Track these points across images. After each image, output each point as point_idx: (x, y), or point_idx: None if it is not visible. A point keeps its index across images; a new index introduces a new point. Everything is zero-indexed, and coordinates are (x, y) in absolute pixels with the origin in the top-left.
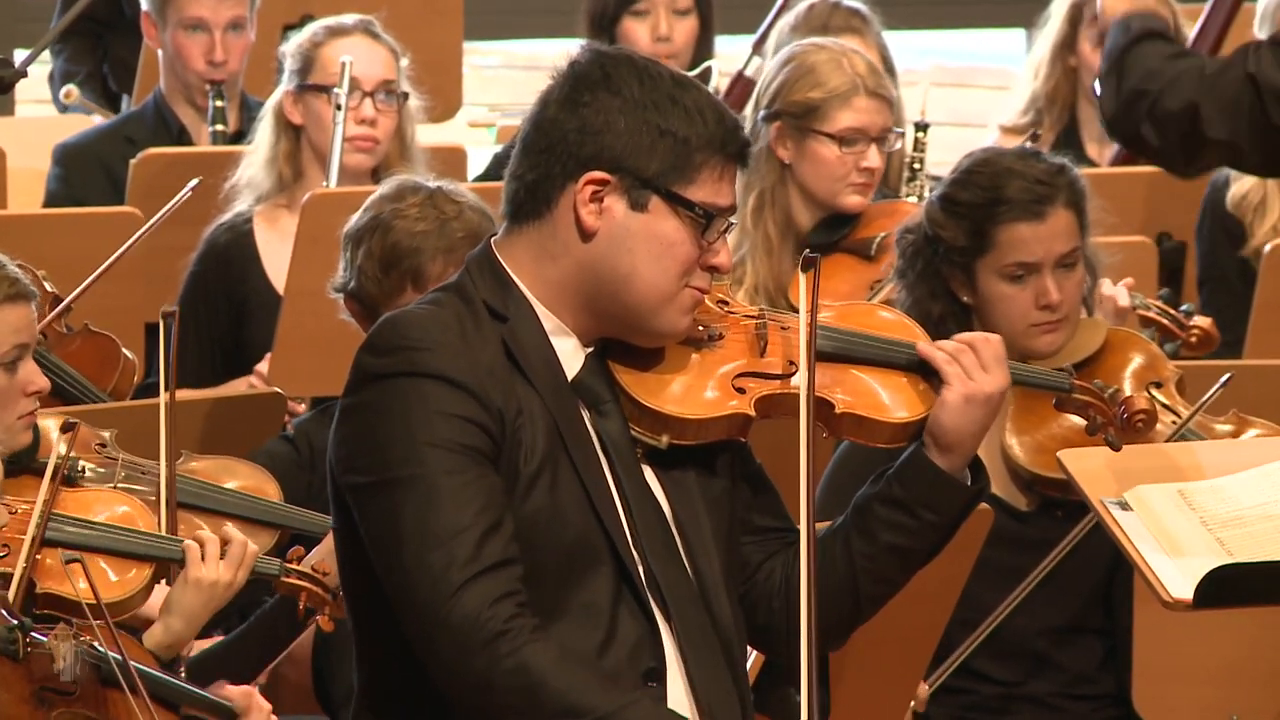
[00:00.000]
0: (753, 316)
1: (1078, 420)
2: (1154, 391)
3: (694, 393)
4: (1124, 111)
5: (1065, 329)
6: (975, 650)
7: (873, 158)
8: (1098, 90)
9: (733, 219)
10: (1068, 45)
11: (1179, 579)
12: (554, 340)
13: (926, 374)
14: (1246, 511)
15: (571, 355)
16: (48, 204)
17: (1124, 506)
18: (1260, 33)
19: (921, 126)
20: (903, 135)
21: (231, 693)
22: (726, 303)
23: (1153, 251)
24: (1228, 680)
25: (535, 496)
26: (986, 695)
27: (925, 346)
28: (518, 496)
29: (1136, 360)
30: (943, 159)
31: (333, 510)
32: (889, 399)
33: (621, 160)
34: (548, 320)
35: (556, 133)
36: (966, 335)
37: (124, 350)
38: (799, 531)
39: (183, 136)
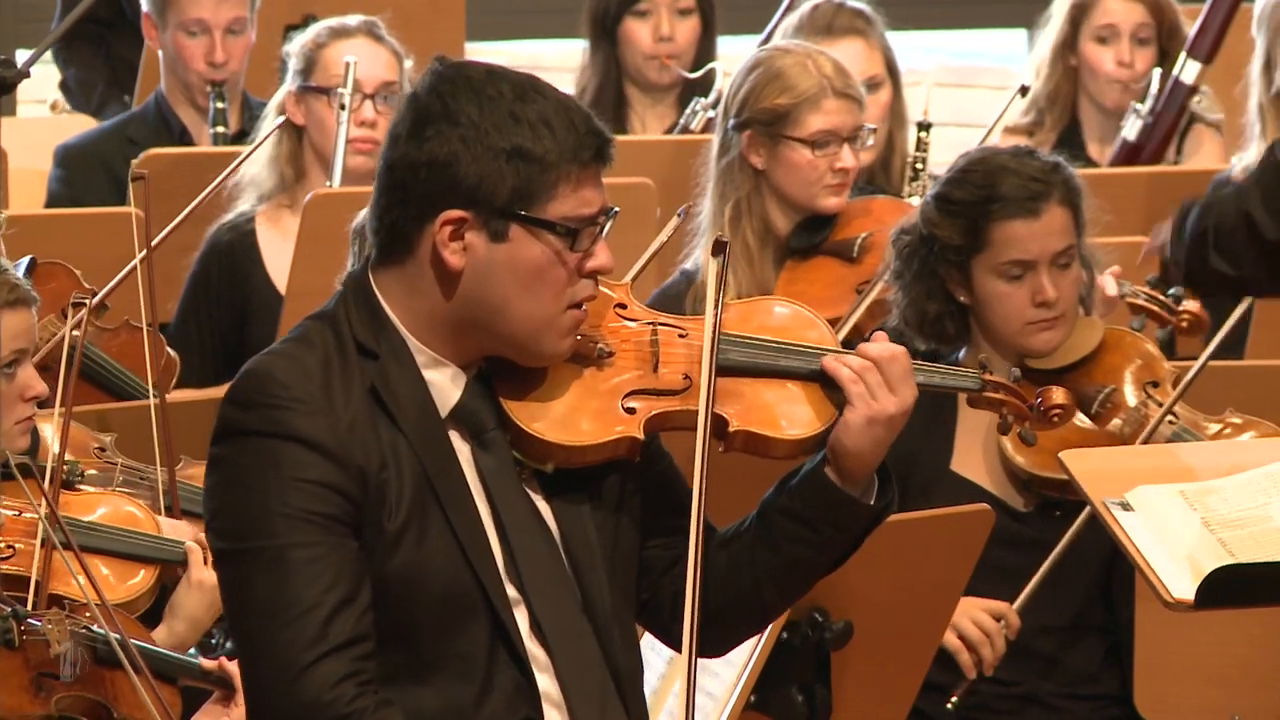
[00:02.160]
0: (647, 325)
1: (1000, 418)
2: (1150, 390)
3: (579, 418)
4: (1194, 259)
5: (1062, 327)
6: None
7: (846, 158)
8: (1172, 266)
9: (610, 216)
10: (1068, 45)
11: (1180, 579)
12: (429, 374)
13: (828, 384)
14: (1248, 512)
15: (449, 385)
16: (49, 205)
17: (1125, 507)
18: (1258, 34)
19: (924, 126)
20: (875, 131)
21: (229, 665)
22: (625, 306)
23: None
24: (1229, 680)
25: (402, 552)
26: (988, 695)
27: (830, 362)
28: (383, 553)
29: (1133, 360)
30: (946, 159)
31: None
32: (786, 415)
33: (474, 194)
34: (421, 354)
35: (406, 171)
36: (873, 350)
37: (168, 349)
38: (708, 530)
39: (184, 137)
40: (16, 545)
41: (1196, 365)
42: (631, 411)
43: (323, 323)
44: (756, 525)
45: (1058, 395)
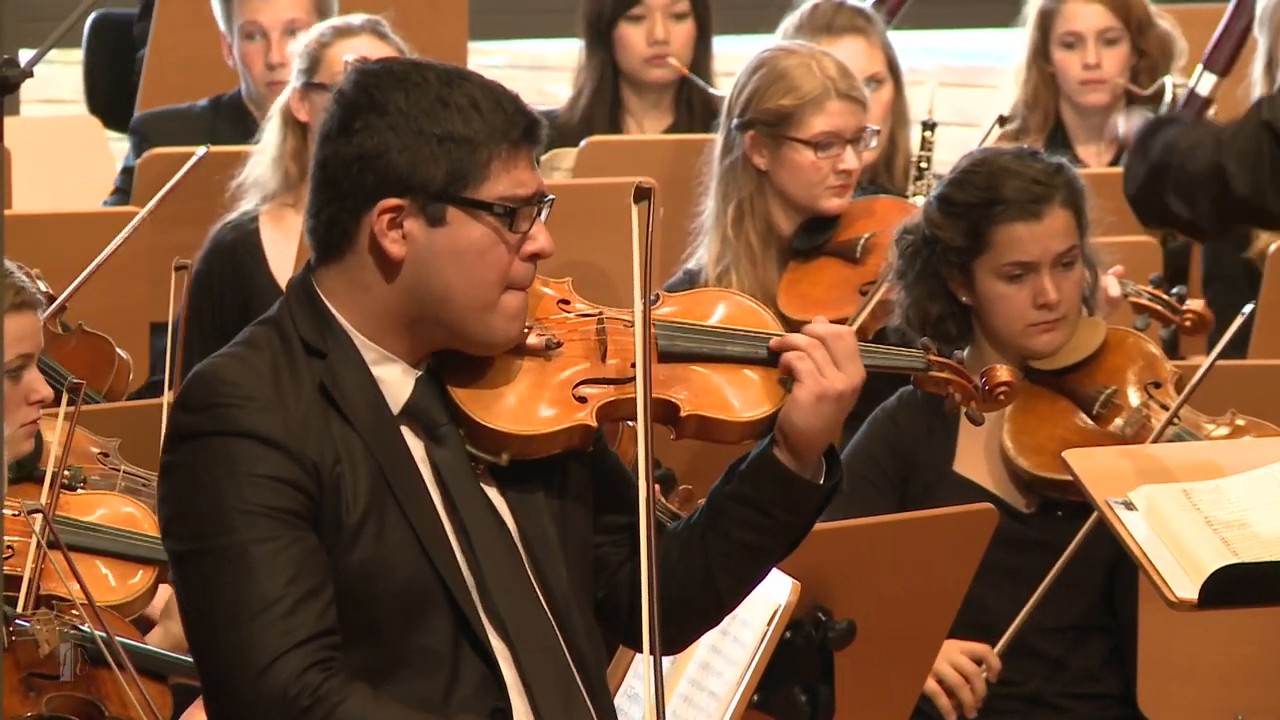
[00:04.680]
0: (592, 317)
1: (946, 398)
2: (1152, 391)
3: (532, 407)
4: (1148, 188)
5: (1064, 328)
6: None
7: (849, 159)
8: (1125, 178)
9: (545, 200)
10: (1041, 53)
11: (1184, 579)
12: (378, 370)
13: (776, 367)
14: (1251, 511)
15: (399, 382)
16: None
17: (1129, 506)
18: (1260, 34)
19: (928, 126)
20: (878, 133)
21: None
22: (568, 302)
23: (1157, 252)
24: (1232, 679)
25: (361, 547)
26: (992, 695)
27: (777, 341)
28: (342, 549)
29: (1135, 360)
30: (950, 159)
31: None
32: (736, 397)
33: (407, 180)
34: (369, 351)
35: (339, 167)
36: (819, 329)
37: (119, 350)
38: (657, 524)
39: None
40: (15, 546)
41: (1201, 370)
42: (583, 400)
43: (267, 327)
44: (706, 515)
45: (1002, 373)
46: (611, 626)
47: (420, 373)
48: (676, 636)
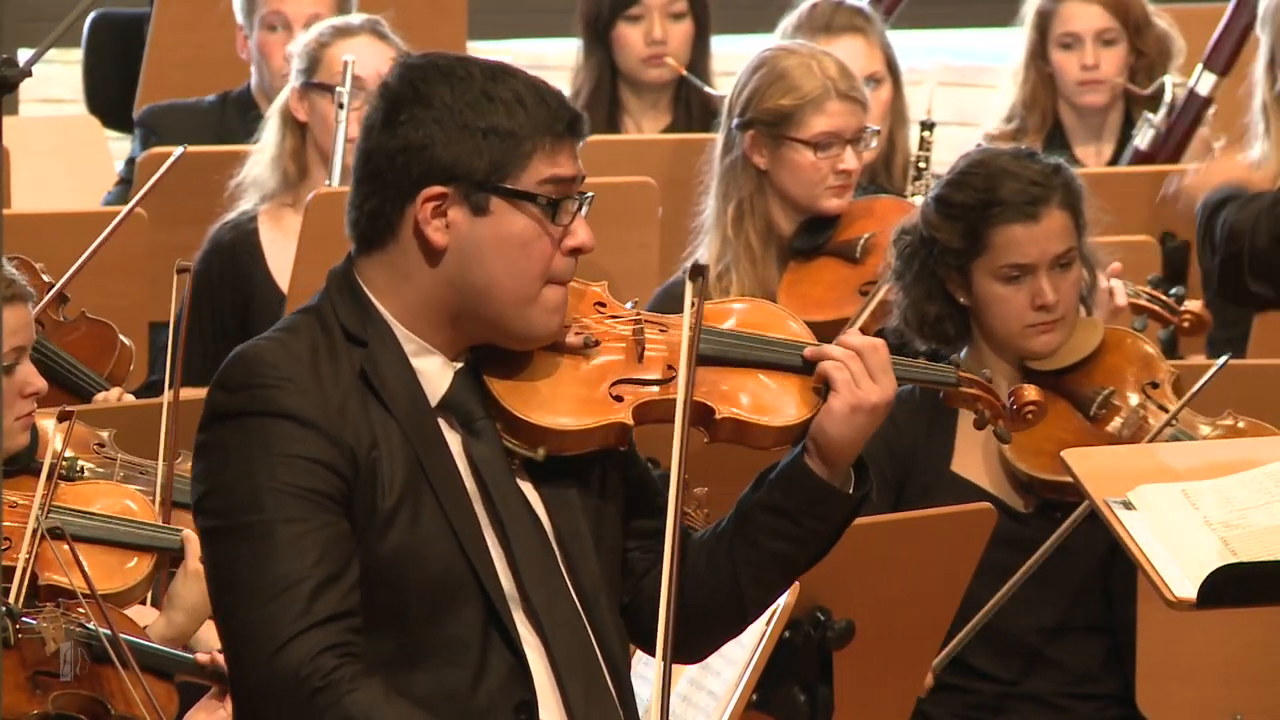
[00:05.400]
0: (630, 320)
1: (976, 415)
2: (1150, 391)
3: (570, 403)
4: (1226, 279)
5: (1062, 329)
6: (976, 648)
7: (849, 159)
8: (1204, 276)
9: (587, 196)
10: (1039, 54)
11: (1182, 578)
12: (417, 362)
13: (809, 374)
14: (1250, 511)
15: (438, 374)
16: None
17: (1128, 506)
18: (1262, 33)
19: (927, 126)
20: (878, 133)
21: (220, 658)
22: (604, 304)
23: (1156, 251)
24: (1231, 679)
25: (395, 533)
26: (989, 694)
27: (813, 350)
28: (375, 534)
29: (1133, 361)
30: (948, 158)
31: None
32: (771, 403)
33: (452, 170)
34: (409, 342)
35: (383, 158)
36: (854, 340)
37: (121, 336)
38: (683, 533)
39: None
40: (13, 538)
41: (1203, 379)
42: (619, 400)
43: (308, 315)
44: (735, 523)
45: (1030, 393)
46: (633, 632)
47: (459, 366)
48: (699, 645)
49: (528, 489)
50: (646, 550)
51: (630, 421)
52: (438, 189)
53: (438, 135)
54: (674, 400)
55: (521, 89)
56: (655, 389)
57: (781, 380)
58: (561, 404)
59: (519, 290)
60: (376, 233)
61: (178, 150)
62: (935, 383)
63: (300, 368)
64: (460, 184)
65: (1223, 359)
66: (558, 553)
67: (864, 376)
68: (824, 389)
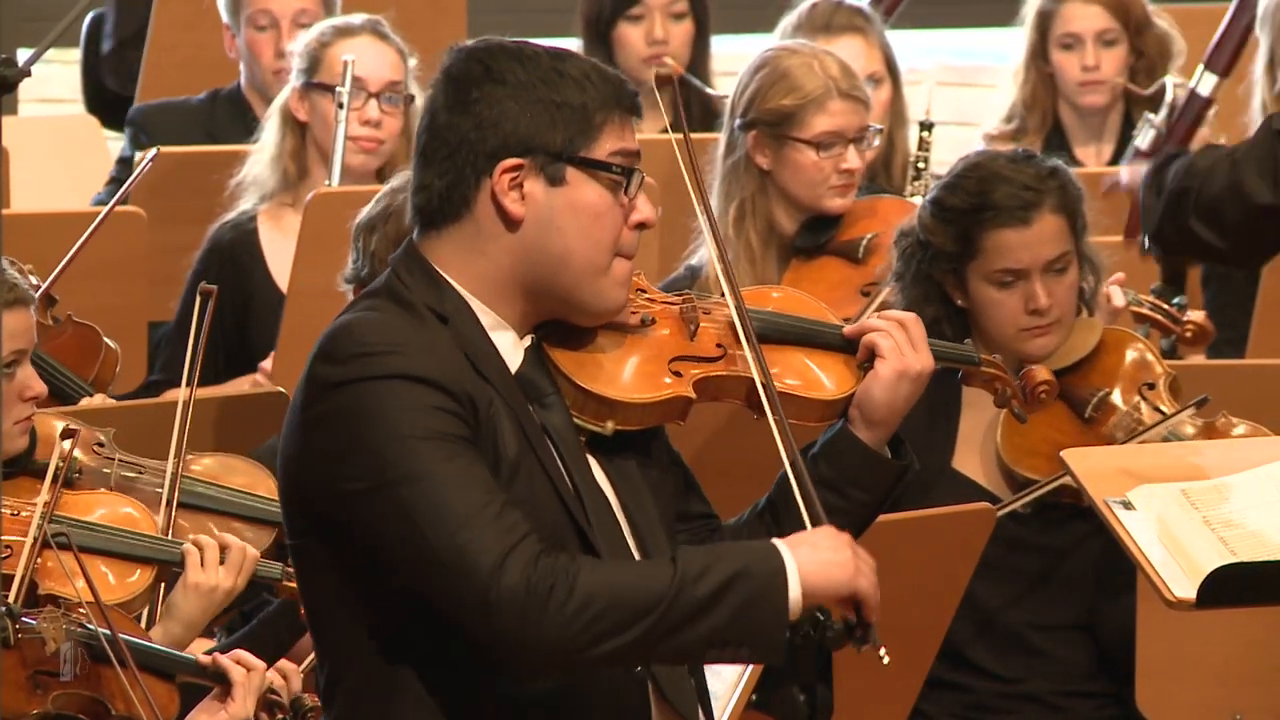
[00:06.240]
0: (676, 302)
1: (989, 394)
2: (1146, 393)
3: (637, 377)
4: (1168, 217)
5: (1057, 332)
6: (975, 646)
7: (851, 159)
8: (1141, 216)
9: (645, 177)
10: (1039, 54)
11: (1182, 578)
12: (493, 335)
13: (849, 353)
14: (1250, 511)
15: (512, 349)
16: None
17: (1127, 506)
18: (1261, 33)
19: (926, 126)
20: (880, 132)
21: (222, 659)
22: (645, 290)
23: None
24: (1230, 679)
25: (518, 486)
26: (987, 693)
27: (853, 327)
28: (503, 482)
29: (1130, 361)
30: (948, 159)
31: (287, 526)
32: (819, 377)
33: (528, 142)
34: (485, 315)
35: (455, 136)
36: (895, 314)
37: (106, 340)
38: (718, 519)
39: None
40: (13, 548)
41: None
42: (680, 375)
43: (379, 297)
44: (776, 503)
45: (1040, 373)
46: None
47: (528, 343)
48: None
49: (594, 466)
50: (691, 535)
51: (694, 395)
52: (515, 160)
53: (513, 110)
54: (731, 375)
55: (586, 67)
56: (711, 364)
57: (823, 358)
58: (629, 378)
59: (593, 260)
60: (451, 208)
61: (151, 152)
62: (960, 360)
63: (404, 335)
64: (537, 155)
65: (1200, 398)
66: (626, 528)
67: (908, 345)
68: (867, 363)
